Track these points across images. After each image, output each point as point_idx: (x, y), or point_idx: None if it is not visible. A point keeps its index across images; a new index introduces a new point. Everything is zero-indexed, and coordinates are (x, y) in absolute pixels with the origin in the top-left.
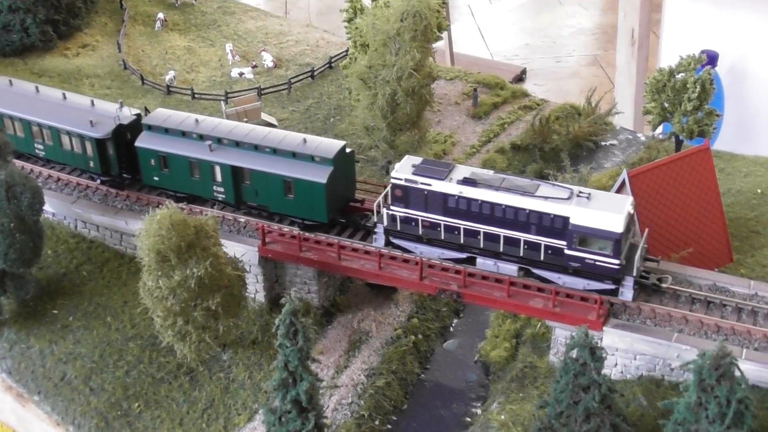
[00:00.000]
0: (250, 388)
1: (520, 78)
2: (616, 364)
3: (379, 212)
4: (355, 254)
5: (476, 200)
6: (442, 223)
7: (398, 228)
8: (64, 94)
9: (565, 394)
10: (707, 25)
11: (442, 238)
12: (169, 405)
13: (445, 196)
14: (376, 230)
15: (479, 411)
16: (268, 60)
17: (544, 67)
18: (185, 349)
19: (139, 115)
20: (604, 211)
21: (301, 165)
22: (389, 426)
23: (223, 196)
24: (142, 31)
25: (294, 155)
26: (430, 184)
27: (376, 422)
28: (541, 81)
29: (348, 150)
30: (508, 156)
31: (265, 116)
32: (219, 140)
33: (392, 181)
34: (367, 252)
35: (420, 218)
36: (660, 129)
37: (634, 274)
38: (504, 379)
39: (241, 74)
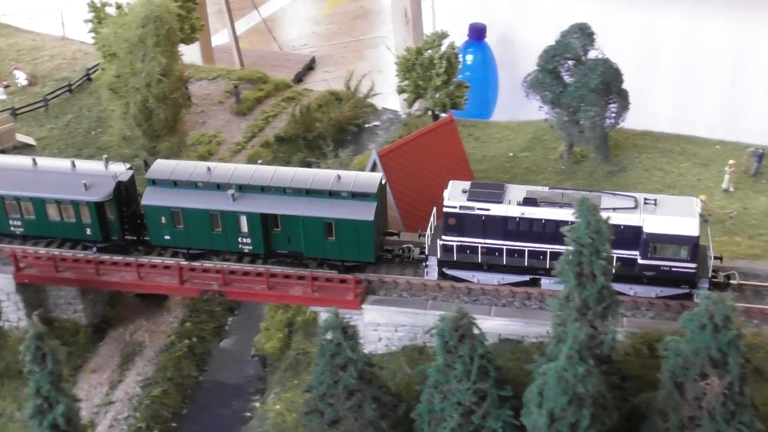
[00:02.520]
0: (20, 420)
1: (311, 67)
2: (380, 339)
3: (430, 244)
4: (114, 267)
5: (540, 220)
6: (504, 247)
7: (454, 258)
8: (34, 160)
9: (325, 375)
10: None
11: (504, 263)
12: None
13: (505, 220)
14: (428, 263)
15: (258, 404)
16: (21, 78)
17: (333, 53)
18: None
19: (132, 170)
20: (676, 215)
21: (342, 204)
22: None
23: (251, 248)
24: None
25: (330, 194)
26: (488, 209)
27: (155, 431)
28: (331, 68)
29: (383, 181)
30: (273, 149)
31: (20, 137)
32: (241, 187)
33: (445, 210)
34: (127, 264)
35: (479, 245)
36: (417, 105)
37: (709, 275)
38: (279, 369)
39: None
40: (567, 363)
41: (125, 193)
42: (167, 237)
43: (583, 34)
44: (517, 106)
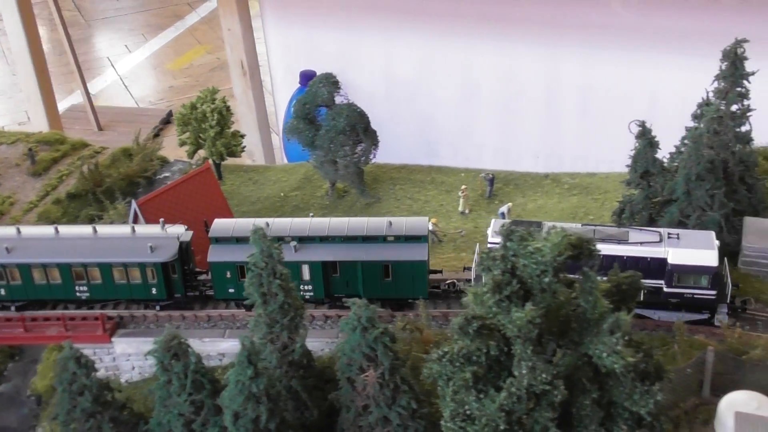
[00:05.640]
0: None
1: (168, 120)
2: (133, 368)
3: (477, 277)
4: None
5: None
6: None
7: None
8: (94, 228)
9: (64, 402)
10: (305, 47)
11: None
12: None
13: None
14: None
15: None
16: None
17: None
18: None
19: (191, 231)
20: (698, 248)
21: (397, 247)
22: None
23: (312, 294)
24: None
25: (385, 239)
26: None
27: None
28: None
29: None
30: (64, 205)
31: None
32: (301, 239)
33: (489, 245)
34: None
35: None
36: (197, 156)
37: (727, 301)
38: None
39: None
40: (239, 368)
41: (186, 252)
42: (231, 290)
43: (328, 82)
44: (383, 151)
